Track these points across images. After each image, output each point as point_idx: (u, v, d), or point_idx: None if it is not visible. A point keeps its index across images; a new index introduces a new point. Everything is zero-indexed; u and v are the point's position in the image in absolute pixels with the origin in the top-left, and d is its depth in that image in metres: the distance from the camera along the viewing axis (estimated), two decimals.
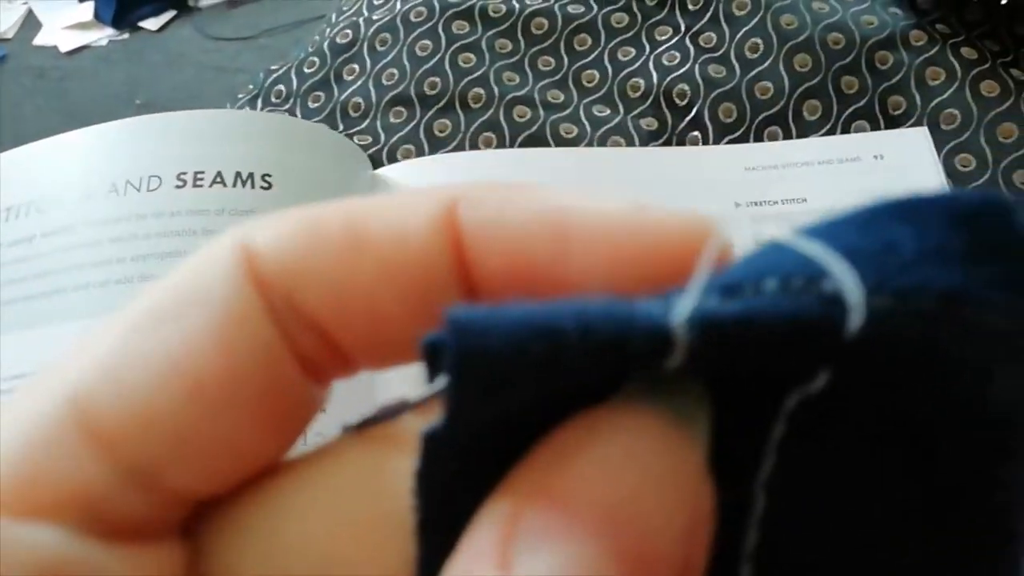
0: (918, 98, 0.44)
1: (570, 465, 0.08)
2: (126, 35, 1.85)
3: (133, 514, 0.09)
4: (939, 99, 0.44)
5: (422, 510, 0.09)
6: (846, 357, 0.09)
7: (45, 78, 1.81)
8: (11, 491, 0.09)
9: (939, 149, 0.42)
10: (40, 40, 1.88)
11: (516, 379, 0.08)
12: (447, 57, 0.48)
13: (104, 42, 1.85)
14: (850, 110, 0.44)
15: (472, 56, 0.48)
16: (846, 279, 0.08)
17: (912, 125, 0.43)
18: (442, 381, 0.09)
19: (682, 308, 0.08)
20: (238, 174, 0.38)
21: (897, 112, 0.44)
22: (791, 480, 0.09)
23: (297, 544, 0.10)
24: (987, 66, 0.45)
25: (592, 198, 0.10)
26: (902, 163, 0.40)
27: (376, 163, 0.45)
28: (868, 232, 0.09)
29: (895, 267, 0.09)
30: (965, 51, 0.45)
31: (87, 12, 1.88)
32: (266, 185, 0.38)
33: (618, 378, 0.09)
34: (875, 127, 0.43)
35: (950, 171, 0.42)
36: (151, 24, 1.86)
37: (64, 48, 1.85)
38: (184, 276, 0.10)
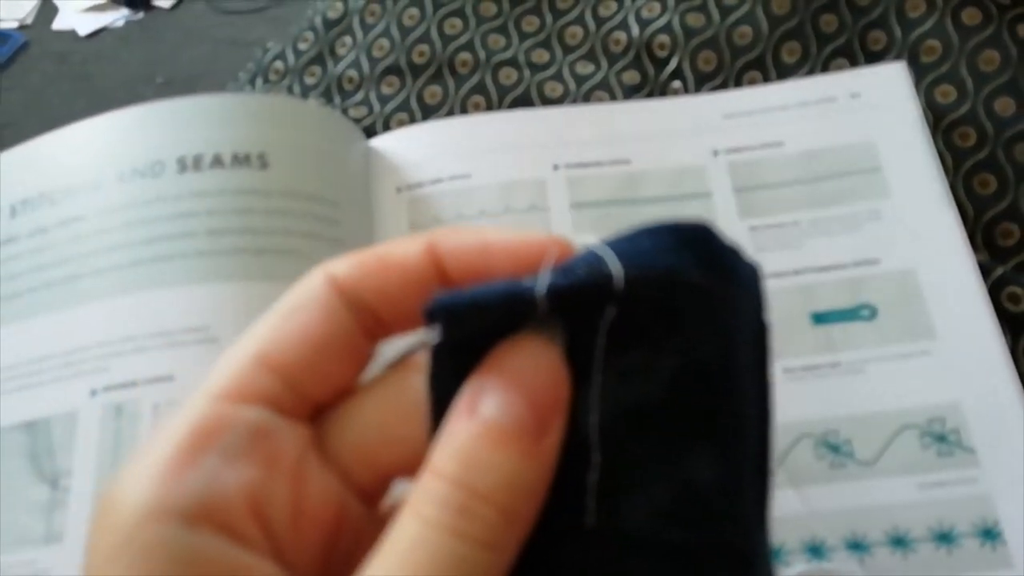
0: (898, 31, 0.44)
1: (503, 361, 0.17)
2: (141, 14, 1.87)
3: (289, 404, 0.19)
4: (919, 31, 0.44)
5: (431, 395, 0.18)
6: (622, 301, 0.17)
7: (67, 63, 1.84)
8: (234, 391, 0.18)
9: (919, 82, 0.42)
10: (58, 25, 1.91)
11: (469, 324, 0.17)
12: (434, 24, 0.49)
13: (121, 23, 1.87)
14: (829, 49, 0.44)
15: (458, 22, 0.49)
16: (613, 263, 0.17)
17: (892, 60, 0.43)
18: (434, 329, 0.17)
19: (539, 285, 0.17)
20: (235, 155, 0.39)
21: (877, 48, 0.44)
22: (618, 370, 0.17)
23: (370, 423, 0.19)
24: None
25: (500, 231, 0.19)
26: (878, 101, 0.41)
27: (372, 133, 0.46)
28: (632, 242, 0.18)
29: (641, 258, 0.17)
30: None
31: None
32: (263, 164, 0.39)
33: (522, 321, 0.17)
34: (855, 65, 0.44)
35: (930, 104, 0.42)
36: (164, 2, 1.88)
37: (82, 31, 1.87)
38: (298, 291, 0.19)
